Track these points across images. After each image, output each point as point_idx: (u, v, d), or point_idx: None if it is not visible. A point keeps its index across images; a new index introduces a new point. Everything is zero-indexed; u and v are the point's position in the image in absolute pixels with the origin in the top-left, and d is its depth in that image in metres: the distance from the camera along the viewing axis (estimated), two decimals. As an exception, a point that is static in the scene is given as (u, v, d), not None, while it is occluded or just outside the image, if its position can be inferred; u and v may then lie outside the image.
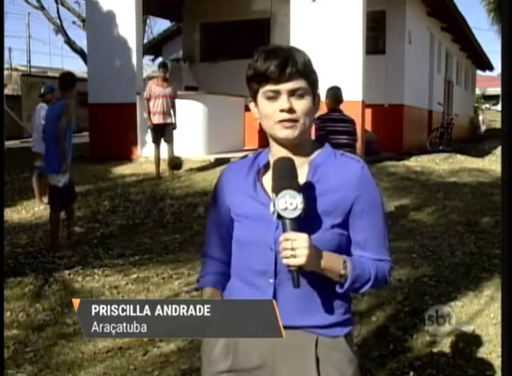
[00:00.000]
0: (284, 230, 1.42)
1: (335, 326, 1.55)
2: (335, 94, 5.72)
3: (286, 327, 1.52)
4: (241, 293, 1.59)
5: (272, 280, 1.53)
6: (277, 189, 1.43)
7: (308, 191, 1.50)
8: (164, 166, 9.24)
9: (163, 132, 8.98)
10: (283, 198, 1.41)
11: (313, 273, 1.47)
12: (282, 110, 1.49)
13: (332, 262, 1.47)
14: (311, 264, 1.42)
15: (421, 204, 8.06)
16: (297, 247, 1.38)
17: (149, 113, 8.94)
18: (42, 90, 8.57)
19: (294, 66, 1.47)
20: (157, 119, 8.92)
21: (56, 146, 5.70)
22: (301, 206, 1.40)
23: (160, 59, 23.35)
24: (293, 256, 1.38)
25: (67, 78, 6.17)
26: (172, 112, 9.00)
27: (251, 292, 1.56)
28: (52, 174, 5.83)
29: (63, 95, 6.04)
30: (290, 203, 1.40)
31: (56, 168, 5.74)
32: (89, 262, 5.48)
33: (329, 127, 5.44)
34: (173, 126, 9.04)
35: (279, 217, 1.42)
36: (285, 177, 1.45)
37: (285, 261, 1.40)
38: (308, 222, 1.45)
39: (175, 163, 8.98)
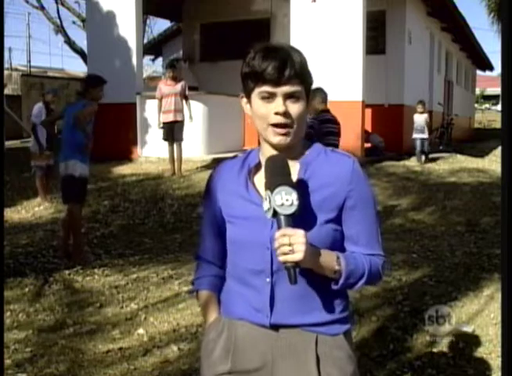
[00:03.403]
0: (279, 227, 1.40)
1: (334, 323, 1.54)
2: (325, 95, 5.67)
3: (284, 326, 1.52)
4: (238, 294, 1.58)
5: (268, 279, 1.51)
6: (272, 186, 1.41)
7: (301, 188, 1.48)
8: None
9: (173, 130, 9.09)
10: (278, 194, 1.39)
11: (309, 271, 1.47)
12: (277, 113, 1.47)
13: (326, 258, 1.47)
14: (309, 260, 1.40)
15: (421, 204, 8.06)
16: (294, 243, 1.37)
17: (159, 112, 9.08)
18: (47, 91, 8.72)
19: (292, 69, 1.46)
20: (168, 117, 9.08)
21: (73, 136, 5.61)
22: (296, 202, 1.39)
23: (160, 59, 23.40)
24: (291, 252, 1.37)
25: (89, 80, 6.23)
26: (187, 107, 9.22)
27: (248, 292, 1.55)
28: (71, 161, 5.56)
29: (87, 96, 6.01)
30: (286, 199, 1.39)
31: (77, 156, 5.56)
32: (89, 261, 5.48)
33: (325, 129, 5.42)
34: (190, 120, 9.26)
35: (275, 214, 1.41)
36: (279, 174, 1.43)
37: (283, 258, 1.38)
38: (302, 218, 1.44)
39: None
